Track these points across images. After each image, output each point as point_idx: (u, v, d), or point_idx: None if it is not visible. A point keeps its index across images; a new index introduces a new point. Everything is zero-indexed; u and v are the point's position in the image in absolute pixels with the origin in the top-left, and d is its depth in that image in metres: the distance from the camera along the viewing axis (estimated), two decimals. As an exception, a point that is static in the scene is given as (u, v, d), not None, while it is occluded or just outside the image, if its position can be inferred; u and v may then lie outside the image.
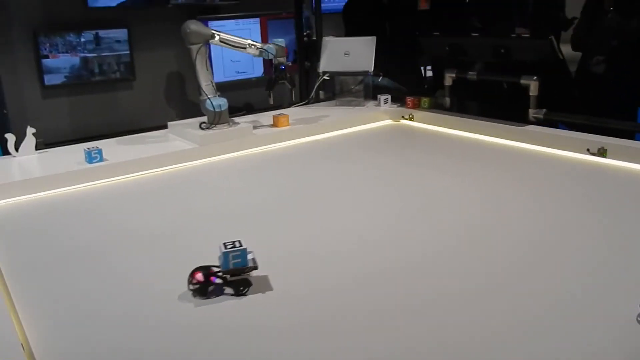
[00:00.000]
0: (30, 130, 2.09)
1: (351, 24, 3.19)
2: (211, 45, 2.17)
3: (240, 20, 2.78)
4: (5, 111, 2.38)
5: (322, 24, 3.04)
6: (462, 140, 2.29)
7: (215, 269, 1.10)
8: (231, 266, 1.08)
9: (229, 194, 1.81)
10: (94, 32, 2.53)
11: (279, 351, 0.96)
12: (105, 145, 2.03)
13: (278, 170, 2.05)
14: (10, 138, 2.07)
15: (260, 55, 2.23)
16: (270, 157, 2.19)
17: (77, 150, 2.09)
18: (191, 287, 1.10)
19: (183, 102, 2.85)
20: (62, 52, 2.47)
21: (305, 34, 3.17)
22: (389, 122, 2.64)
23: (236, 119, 2.34)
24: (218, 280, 1.10)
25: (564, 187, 1.71)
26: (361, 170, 1.98)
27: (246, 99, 2.56)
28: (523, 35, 2.23)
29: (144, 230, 1.50)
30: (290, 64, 2.30)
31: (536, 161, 1.97)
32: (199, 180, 1.96)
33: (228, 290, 1.11)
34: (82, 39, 2.51)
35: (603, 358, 0.91)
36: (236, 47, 2.21)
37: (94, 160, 1.93)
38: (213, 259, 1.12)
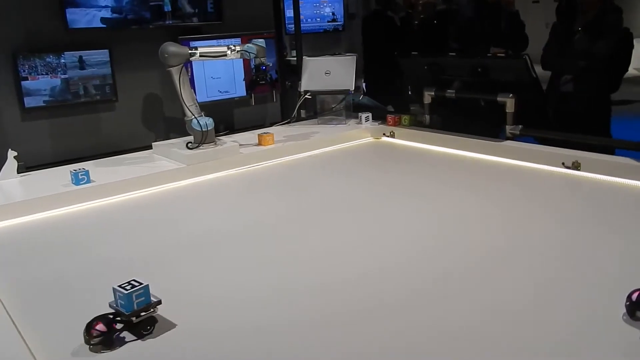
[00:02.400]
0: (11, 154, 2.07)
1: (368, 37, 3.20)
2: (193, 66, 2.19)
3: (221, 41, 2.80)
4: (-16, 134, 2.35)
5: (302, 44, 3.10)
6: (442, 155, 2.35)
7: (112, 315, 1.03)
8: (135, 307, 1.02)
9: (219, 214, 1.82)
10: (74, 53, 2.52)
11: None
12: (90, 166, 2.02)
13: (265, 189, 2.07)
14: (-9, 162, 2.04)
15: (241, 56, 2.24)
16: (257, 176, 2.21)
17: (60, 173, 2.08)
18: (93, 341, 1.00)
19: (166, 122, 2.85)
20: (42, 74, 2.46)
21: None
22: (370, 139, 2.70)
23: (223, 138, 2.36)
24: (119, 326, 1.02)
25: (541, 199, 1.78)
26: (346, 187, 2.02)
27: (229, 118, 2.57)
28: (499, 54, 2.32)
29: (139, 253, 1.50)
30: (270, 65, 2.30)
31: (514, 175, 2.04)
32: (189, 200, 1.97)
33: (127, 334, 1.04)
34: (63, 60, 2.50)
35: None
36: (217, 56, 2.22)
37: (81, 182, 1.92)
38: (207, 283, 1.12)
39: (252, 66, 2.25)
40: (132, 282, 1.03)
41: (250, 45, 2.23)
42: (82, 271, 1.39)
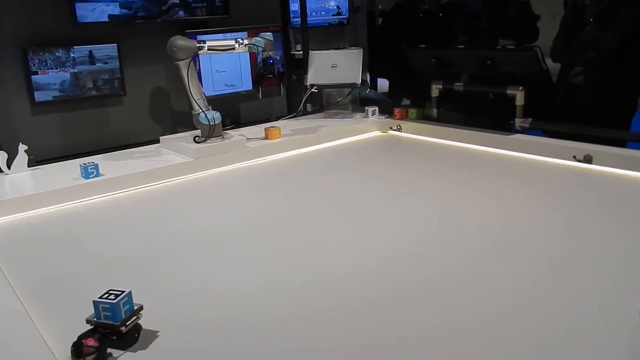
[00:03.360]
0: (22, 147, 2.08)
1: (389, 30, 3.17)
2: (201, 59, 2.20)
3: (228, 34, 2.80)
4: (-6, 128, 2.36)
5: (308, 37, 3.10)
6: (450, 149, 2.34)
7: (101, 328, 0.98)
8: (124, 315, 0.98)
9: (226, 208, 1.82)
10: (84, 48, 2.52)
11: None
12: (99, 160, 2.03)
13: (272, 183, 2.07)
14: (2, 155, 2.05)
15: (249, 49, 2.25)
16: (264, 170, 2.21)
17: (70, 167, 2.09)
18: (89, 358, 0.95)
19: (173, 116, 2.85)
20: (51, 68, 2.46)
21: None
22: (377, 133, 2.69)
23: (230, 132, 2.36)
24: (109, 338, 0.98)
25: (552, 193, 1.77)
26: (353, 181, 2.01)
27: (236, 112, 2.58)
28: (509, 47, 2.31)
29: (150, 246, 1.51)
30: (277, 58, 2.30)
31: (524, 168, 2.03)
32: (197, 194, 1.97)
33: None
34: (72, 55, 2.50)
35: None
36: (225, 49, 2.22)
37: (91, 176, 1.93)
38: (215, 278, 1.11)
39: (260, 60, 2.25)
40: (112, 292, 0.99)
41: (258, 39, 2.23)
42: (91, 264, 1.40)
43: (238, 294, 1.21)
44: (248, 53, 2.25)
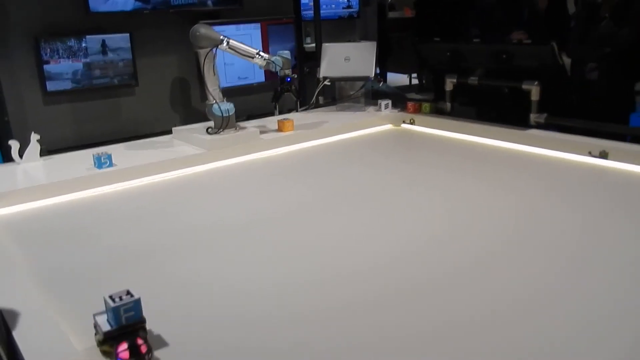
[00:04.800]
0: (34, 137, 2.08)
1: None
2: (219, 51, 2.19)
3: (241, 25, 2.78)
4: (6, 118, 2.35)
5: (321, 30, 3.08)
6: (464, 144, 2.32)
7: (131, 329, 0.94)
8: (124, 322, 0.94)
9: (238, 200, 1.81)
10: (96, 37, 2.51)
11: None
12: (111, 151, 2.02)
13: (284, 175, 2.06)
14: (14, 145, 2.05)
15: (266, 67, 2.25)
16: (277, 162, 2.20)
17: (82, 156, 2.09)
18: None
19: (185, 108, 2.84)
20: (63, 58, 2.45)
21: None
22: (389, 127, 2.67)
23: (242, 124, 2.35)
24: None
25: (567, 189, 1.75)
26: (365, 175, 2.00)
27: (248, 104, 2.57)
28: (524, 41, 2.29)
29: (163, 238, 1.50)
30: (295, 77, 2.33)
31: (538, 164, 2.01)
32: (209, 186, 1.97)
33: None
34: (84, 44, 2.49)
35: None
36: (244, 55, 2.22)
37: (104, 166, 1.92)
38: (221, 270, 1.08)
39: (278, 75, 2.26)
40: (115, 296, 0.95)
41: (277, 57, 2.24)
42: (102, 255, 1.39)
43: (248, 288, 1.20)
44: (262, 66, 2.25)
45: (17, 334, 0.97)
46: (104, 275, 1.27)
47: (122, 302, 0.93)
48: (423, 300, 1.12)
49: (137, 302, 0.95)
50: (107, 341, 0.93)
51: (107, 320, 0.94)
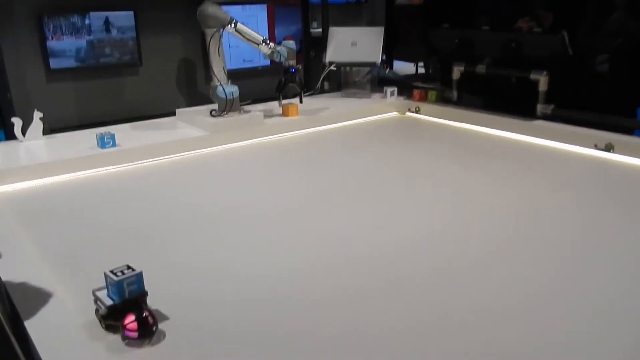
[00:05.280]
0: (37, 115, 2.07)
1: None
2: (225, 32, 2.16)
3: (246, 6, 2.75)
4: (9, 95, 2.33)
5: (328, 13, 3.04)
6: (469, 133, 2.31)
7: (134, 302, 0.94)
8: (127, 295, 0.94)
9: (240, 184, 1.80)
10: (99, 14, 2.48)
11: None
12: (115, 131, 2.01)
13: (287, 160, 2.05)
14: (17, 122, 2.04)
15: (271, 56, 2.24)
16: (280, 147, 2.19)
17: (85, 136, 2.08)
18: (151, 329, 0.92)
19: (189, 89, 2.82)
20: (66, 35, 2.43)
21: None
22: (395, 114, 2.66)
23: (246, 108, 2.34)
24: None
25: (571, 181, 1.74)
26: (369, 162, 1.99)
27: (253, 88, 2.54)
28: (534, 30, 2.26)
29: (164, 219, 1.50)
30: (300, 67, 2.32)
31: (544, 155, 2.00)
32: (213, 168, 1.96)
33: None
34: (87, 21, 2.46)
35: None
36: (250, 40, 2.19)
37: (107, 146, 1.91)
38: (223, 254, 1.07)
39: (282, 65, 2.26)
40: (117, 271, 0.95)
41: (282, 47, 2.22)
42: (104, 234, 1.38)
43: (245, 272, 1.19)
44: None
45: (20, 308, 0.97)
46: (104, 253, 1.26)
47: (126, 276, 0.94)
48: (423, 291, 1.11)
49: (140, 276, 0.95)
50: (112, 315, 0.93)
51: (109, 295, 0.94)
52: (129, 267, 0.96)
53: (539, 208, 1.51)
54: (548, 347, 0.91)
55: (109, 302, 0.93)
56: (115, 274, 0.94)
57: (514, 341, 0.93)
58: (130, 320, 0.90)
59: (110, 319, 0.93)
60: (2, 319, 0.96)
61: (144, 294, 0.97)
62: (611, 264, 1.19)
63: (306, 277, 1.17)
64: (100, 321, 0.95)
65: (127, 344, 0.91)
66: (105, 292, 0.95)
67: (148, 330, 0.91)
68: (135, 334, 0.90)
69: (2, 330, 0.92)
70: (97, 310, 0.96)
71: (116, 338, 0.92)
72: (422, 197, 1.63)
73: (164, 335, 0.94)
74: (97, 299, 0.95)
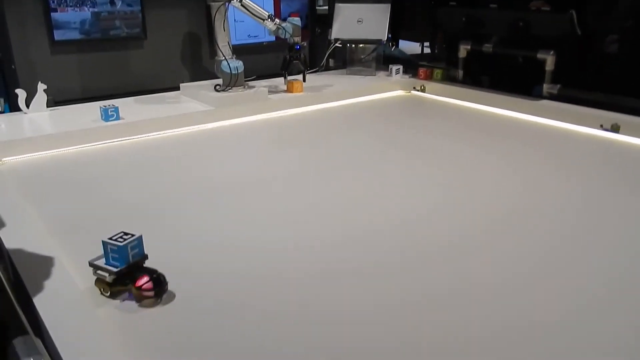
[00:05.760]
0: (41, 87, 2.07)
1: None
2: (230, 7, 2.15)
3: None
4: (13, 67, 2.33)
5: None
6: (474, 112, 2.30)
7: (138, 265, 0.96)
8: (131, 259, 0.96)
9: (242, 159, 1.80)
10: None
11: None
12: (118, 104, 2.00)
13: (291, 136, 2.05)
14: (21, 94, 2.04)
15: (276, 32, 2.22)
16: (284, 123, 2.19)
17: (89, 109, 2.07)
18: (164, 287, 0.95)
19: (193, 64, 2.80)
20: (71, 6, 2.41)
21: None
22: (400, 92, 2.64)
23: (250, 83, 2.33)
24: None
25: (577, 162, 1.73)
26: (373, 140, 1.98)
27: (257, 64, 2.52)
28: (543, 8, 2.23)
29: (166, 193, 1.50)
30: (305, 45, 2.31)
31: (549, 135, 1.99)
32: (216, 143, 1.96)
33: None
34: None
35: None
36: (255, 16, 2.18)
37: (111, 119, 1.91)
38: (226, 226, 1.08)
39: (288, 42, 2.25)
40: (117, 237, 0.96)
41: (287, 24, 2.21)
42: (107, 206, 1.39)
43: (246, 245, 1.20)
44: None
45: (24, 275, 0.98)
46: (106, 224, 1.26)
47: (129, 241, 0.95)
48: (424, 265, 1.11)
49: (140, 239, 0.97)
50: (118, 281, 0.94)
51: (110, 263, 0.95)
52: (126, 234, 0.96)
53: (543, 187, 1.51)
54: (549, 323, 0.91)
55: (114, 268, 0.94)
56: (116, 241, 0.94)
57: (515, 316, 0.93)
58: (145, 280, 0.92)
59: (117, 284, 0.95)
60: (7, 286, 0.98)
61: (145, 257, 0.98)
62: (615, 243, 1.19)
63: (307, 249, 1.18)
64: (101, 290, 0.96)
65: (140, 305, 0.93)
66: (103, 260, 0.96)
67: (163, 288, 0.94)
68: (151, 293, 0.93)
69: (6, 296, 0.94)
70: (98, 280, 0.96)
71: (116, 303, 0.94)
72: (425, 175, 1.63)
73: (169, 301, 0.95)
74: (97, 268, 0.95)
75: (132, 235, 0.96)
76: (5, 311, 0.88)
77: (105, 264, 0.95)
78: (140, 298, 0.93)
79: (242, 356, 0.84)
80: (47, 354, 0.78)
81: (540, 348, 0.84)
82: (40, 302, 0.90)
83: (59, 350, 0.78)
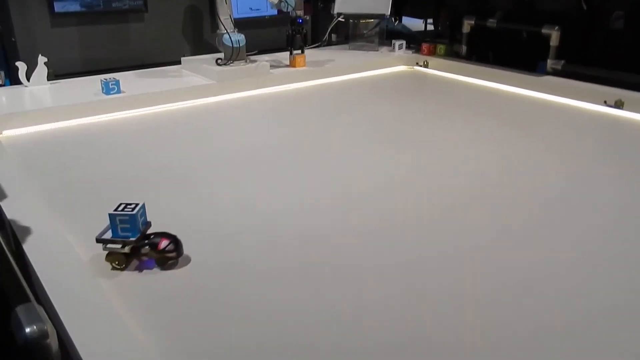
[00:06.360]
0: (41, 60, 2.05)
1: None
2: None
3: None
4: (13, 39, 2.31)
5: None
6: (477, 88, 2.28)
7: (145, 235, 0.97)
8: (141, 227, 0.97)
9: (243, 133, 1.79)
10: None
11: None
12: (120, 78, 1.99)
13: (292, 111, 2.04)
14: (22, 67, 2.03)
15: (278, 5, 2.20)
16: (286, 97, 2.17)
17: (90, 82, 2.07)
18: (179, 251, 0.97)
19: (195, 38, 2.78)
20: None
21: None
22: (403, 68, 2.62)
23: (252, 57, 2.31)
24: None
25: (580, 138, 1.72)
26: (373, 115, 1.97)
27: (259, 38, 2.50)
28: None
29: (168, 166, 1.50)
30: (307, 18, 2.30)
31: (553, 111, 1.98)
32: (218, 117, 1.95)
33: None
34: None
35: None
36: None
37: (112, 92, 1.90)
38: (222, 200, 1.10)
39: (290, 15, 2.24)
40: (125, 206, 0.96)
41: None
42: (109, 177, 1.39)
43: (247, 212, 1.21)
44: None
45: (25, 244, 0.99)
46: (107, 197, 1.27)
47: (138, 209, 0.95)
48: (420, 229, 1.12)
49: (144, 207, 0.97)
50: (138, 249, 0.95)
51: (119, 234, 0.94)
52: (128, 204, 0.96)
53: (545, 162, 1.50)
54: (538, 292, 0.93)
55: (130, 238, 0.94)
56: (123, 211, 0.94)
57: (501, 283, 0.94)
58: (166, 243, 0.94)
59: (134, 254, 0.95)
60: (8, 254, 0.99)
61: (149, 224, 0.99)
62: (616, 219, 1.19)
63: (308, 215, 1.19)
64: (114, 264, 0.95)
65: (164, 269, 0.95)
66: (110, 233, 0.96)
67: (181, 249, 0.97)
68: (175, 254, 0.95)
69: (7, 264, 0.95)
70: (110, 254, 0.96)
71: (118, 272, 0.95)
72: (426, 148, 1.62)
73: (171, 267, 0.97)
74: (108, 242, 0.95)
75: (136, 203, 0.96)
76: (6, 279, 0.89)
77: (114, 236, 0.95)
78: (163, 261, 0.95)
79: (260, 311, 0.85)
80: (49, 321, 0.79)
81: (540, 304, 0.85)
82: (42, 270, 0.91)
83: (62, 318, 0.79)
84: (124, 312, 0.83)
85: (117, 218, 0.94)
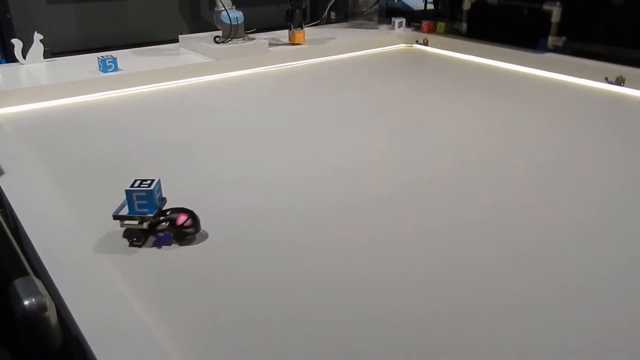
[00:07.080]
0: (37, 37, 2.03)
1: None
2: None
3: None
4: (8, 15, 2.28)
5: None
6: (477, 66, 2.26)
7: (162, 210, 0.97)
8: (158, 203, 0.97)
9: (240, 111, 1.78)
10: None
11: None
12: (117, 55, 1.97)
13: (290, 89, 2.02)
14: (17, 44, 2.00)
15: None
16: (285, 76, 2.15)
17: (87, 60, 2.05)
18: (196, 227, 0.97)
19: (193, 16, 2.75)
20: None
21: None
22: (402, 46, 2.60)
23: (251, 35, 2.29)
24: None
25: (581, 115, 1.71)
26: (371, 92, 1.95)
27: (257, 16, 2.47)
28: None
29: (165, 143, 1.49)
30: None
31: (554, 89, 1.96)
32: (217, 94, 1.93)
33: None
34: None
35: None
36: None
37: (109, 70, 1.89)
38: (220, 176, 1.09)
39: None
40: (141, 182, 0.96)
41: None
42: (107, 154, 1.39)
43: (244, 186, 1.21)
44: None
45: (24, 220, 0.98)
46: (105, 174, 1.27)
47: (154, 184, 0.94)
48: (414, 206, 1.12)
49: (159, 182, 0.97)
50: (156, 224, 0.95)
51: (135, 211, 0.94)
52: (143, 180, 0.95)
53: (545, 139, 1.50)
54: (534, 259, 0.93)
55: (149, 213, 0.93)
56: (140, 187, 0.93)
57: (498, 253, 0.95)
58: (184, 219, 0.95)
59: (153, 230, 0.95)
60: (6, 228, 0.99)
61: (165, 200, 0.99)
62: (615, 194, 1.19)
63: (305, 189, 1.19)
64: (132, 240, 0.95)
65: (181, 244, 0.95)
66: (126, 209, 0.95)
67: (199, 224, 0.97)
68: (193, 229, 0.96)
69: (6, 238, 0.94)
70: (127, 230, 0.95)
71: (122, 247, 0.95)
72: (426, 125, 1.62)
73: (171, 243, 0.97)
74: (124, 219, 0.94)
75: (152, 179, 0.95)
76: (5, 254, 0.89)
77: (130, 212, 0.94)
78: (182, 237, 0.96)
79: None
80: (48, 294, 0.79)
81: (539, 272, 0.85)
82: (40, 245, 0.90)
83: (60, 291, 0.79)
84: (126, 288, 0.83)
85: (134, 194, 0.93)
